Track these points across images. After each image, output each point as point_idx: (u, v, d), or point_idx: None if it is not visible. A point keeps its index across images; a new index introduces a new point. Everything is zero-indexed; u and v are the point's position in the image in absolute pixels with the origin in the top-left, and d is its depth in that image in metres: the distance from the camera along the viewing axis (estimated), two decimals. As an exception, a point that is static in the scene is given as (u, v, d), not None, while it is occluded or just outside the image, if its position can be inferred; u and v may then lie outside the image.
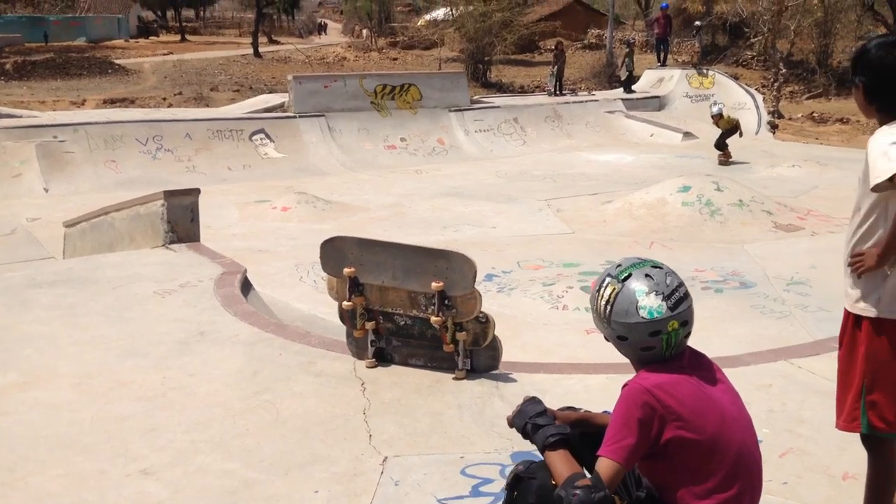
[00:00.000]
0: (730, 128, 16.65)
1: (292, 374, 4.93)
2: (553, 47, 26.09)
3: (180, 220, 7.99)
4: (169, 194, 8.00)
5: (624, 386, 2.49)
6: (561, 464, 2.50)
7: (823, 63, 31.19)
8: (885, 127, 3.09)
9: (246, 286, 6.82)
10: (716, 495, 2.40)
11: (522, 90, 30.28)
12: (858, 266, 3.17)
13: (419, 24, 47.67)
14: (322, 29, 66.01)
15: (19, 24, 46.93)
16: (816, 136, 21.68)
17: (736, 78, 26.20)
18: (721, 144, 16.53)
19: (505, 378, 4.83)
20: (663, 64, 26.49)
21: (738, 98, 22.78)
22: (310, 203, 12.51)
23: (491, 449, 4.03)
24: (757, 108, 22.40)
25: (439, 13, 43.93)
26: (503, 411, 4.37)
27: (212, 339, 5.50)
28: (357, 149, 18.15)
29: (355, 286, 5.00)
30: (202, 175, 15.34)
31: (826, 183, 14.33)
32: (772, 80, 24.67)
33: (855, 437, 3.30)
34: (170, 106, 24.65)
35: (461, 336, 4.79)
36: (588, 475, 2.42)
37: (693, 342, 2.57)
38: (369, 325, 5.03)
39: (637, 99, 23.70)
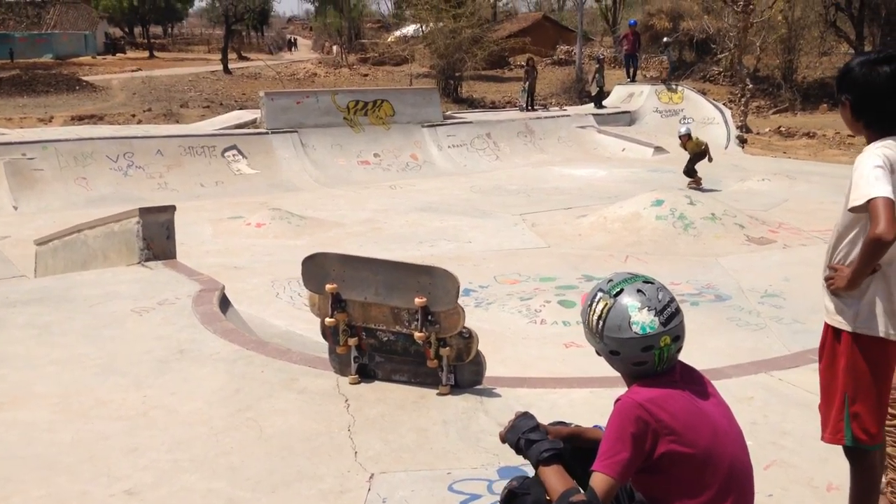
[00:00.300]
0: (698, 152, 15.85)
1: (275, 391, 4.89)
2: (525, 63, 26.27)
3: (156, 237, 7.91)
4: (144, 211, 7.92)
5: (617, 401, 2.50)
6: (555, 479, 2.51)
7: (789, 78, 31.80)
8: (872, 146, 3.13)
9: (224, 303, 6.77)
10: (710, 508, 2.42)
11: (494, 105, 30.48)
12: (831, 284, 3.23)
13: (389, 40, 47.85)
14: (293, 45, 66.03)
15: (-16, 40, 46.44)
16: (784, 150, 22.02)
17: (704, 93, 26.56)
18: (690, 171, 15.80)
19: (489, 393, 4.83)
20: (633, 80, 26.80)
21: (707, 113, 23.08)
22: (284, 219, 12.46)
23: (477, 464, 4.02)
24: (726, 122, 22.70)
25: (409, 29, 44.16)
26: (488, 426, 4.38)
27: (192, 357, 5.44)
28: (330, 164, 18.13)
29: (337, 302, 4.98)
30: (174, 192, 15.22)
31: (796, 196, 14.54)
32: (739, 95, 25.04)
33: (837, 449, 3.35)
34: (139, 122, 24.50)
35: (445, 351, 4.79)
36: (582, 490, 2.43)
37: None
38: (352, 342, 5.01)
39: (608, 114, 23.90)
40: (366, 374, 5.07)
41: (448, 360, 4.81)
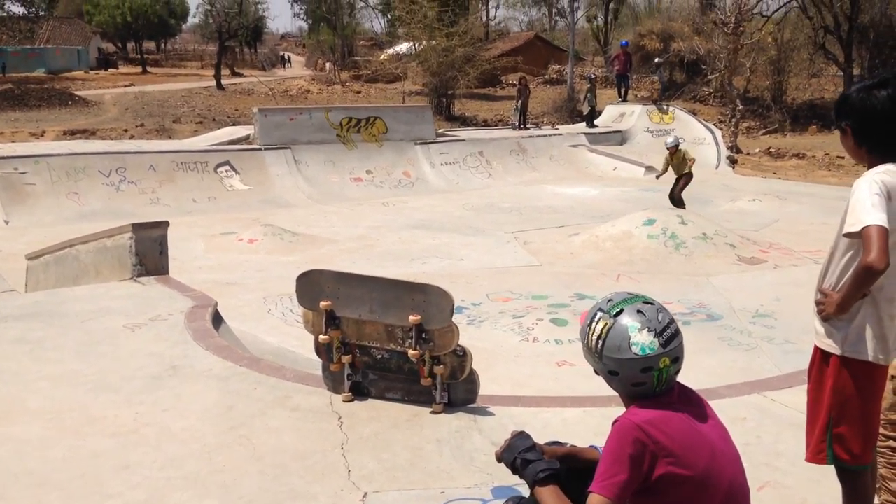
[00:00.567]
0: (688, 173, 14.64)
1: (268, 408, 4.88)
2: (517, 82, 26.40)
3: (149, 252, 7.89)
4: (137, 227, 7.90)
5: (615, 422, 2.50)
6: (552, 499, 2.51)
7: (778, 99, 32.04)
8: (871, 171, 3.14)
9: (217, 319, 6.75)
10: (708, 530, 2.42)
11: (486, 124, 30.60)
12: (822, 311, 3.25)
13: (382, 58, 47.95)
14: (286, 62, 66.21)
15: (-24, 54, 46.38)
16: (774, 170, 22.16)
17: (694, 113, 26.77)
18: (678, 201, 14.60)
19: (482, 412, 4.83)
20: (624, 99, 26.97)
21: (698, 133, 23.24)
22: (277, 235, 12.46)
23: (471, 484, 4.02)
24: (716, 142, 22.87)
25: (402, 47, 44.27)
26: (482, 445, 4.38)
27: (185, 373, 5.43)
28: (323, 181, 18.15)
29: (332, 319, 4.98)
30: (166, 207, 15.22)
31: (786, 217, 14.63)
32: (729, 115, 25.21)
33: (829, 470, 3.36)
34: (132, 137, 24.46)
35: (438, 370, 4.78)
36: (578, 511, 2.43)
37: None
38: (346, 359, 5.00)
39: (599, 133, 24.04)
40: (359, 392, 5.06)
41: (442, 378, 4.80)
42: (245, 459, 4.24)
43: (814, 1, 31.58)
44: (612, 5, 47.85)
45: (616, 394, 2.62)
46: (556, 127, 26.09)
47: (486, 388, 5.10)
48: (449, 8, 31.85)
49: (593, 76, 27.77)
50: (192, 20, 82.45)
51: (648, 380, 2.48)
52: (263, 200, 16.59)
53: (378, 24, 70.03)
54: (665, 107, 25.12)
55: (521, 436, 2.73)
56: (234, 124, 25.13)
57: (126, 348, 5.91)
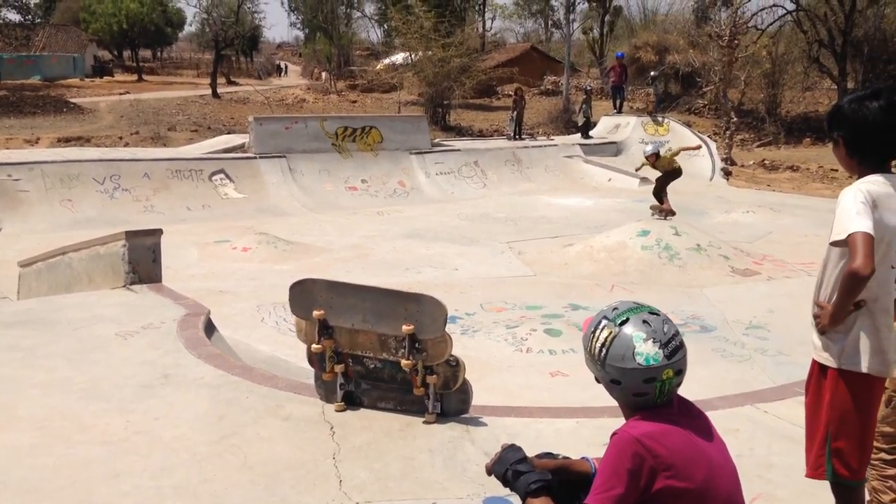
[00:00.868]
0: (671, 170, 14.25)
1: (260, 417, 4.86)
2: (513, 93, 26.46)
3: (142, 260, 7.87)
4: (131, 234, 7.89)
5: (613, 434, 2.47)
6: (543, 510, 2.49)
7: (772, 112, 32.15)
8: (858, 182, 3.17)
9: (209, 328, 6.73)
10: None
11: (481, 134, 30.64)
12: (818, 323, 3.26)
13: (378, 67, 48.02)
14: (282, 70, 66.26)
15: (-28, 61, 46.33)
16: (768, 182, 22.21)
17: (689, 125, 26.85)
18: (659, 194, 14.35)
19: (475, 422, 4.82)
20: (619, 111, 27.03)
21: (692, 144, 23.23)
22: (271, 244, 12.44)
23: (463, 494, 4.00)
24: (711, 154, 22.92)
25: (398, 57, 44.38)
26: (474, 456, 4.36)
27: (177, 381, 5.40)
28: (318, 190, 18.15)
29: (325, 329, 4.97)
30: (160, 215, 15.18)
31: (780, 229, 14.66)
32: (724, 127, 25.30)
33: (822, 483, 3.35)
34: (126, 145, 24.42)
35: (431, 379, 4.77)
36: (570, 523, 2.42)
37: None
38: (338, 368, 4.99)
39: (595, 144, 24.10)
40: (352, 402, 5.05)
41: (435, 388, 4.79)
42: (236, 469, 4.22)
43: (808, 15, 31.73)
44: (608, 17, 47.97)
45: (611, 405, 2.60)
46: (552, 138, 26.15)
47: (479, 399, 5.09)
48: (445, 18, 32.00)
49: (589, 88, 27.85)
50: (189, 29, 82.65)
51: (650, 391, 2.45)
52: (258, 209, 16.58)
53: (374, 34, 70.21)
54: (660, 118, 25.21)
55: (511, 448, 2.71)
56: (229, 133, 25.10)
57: (118, 356, 5.89)
